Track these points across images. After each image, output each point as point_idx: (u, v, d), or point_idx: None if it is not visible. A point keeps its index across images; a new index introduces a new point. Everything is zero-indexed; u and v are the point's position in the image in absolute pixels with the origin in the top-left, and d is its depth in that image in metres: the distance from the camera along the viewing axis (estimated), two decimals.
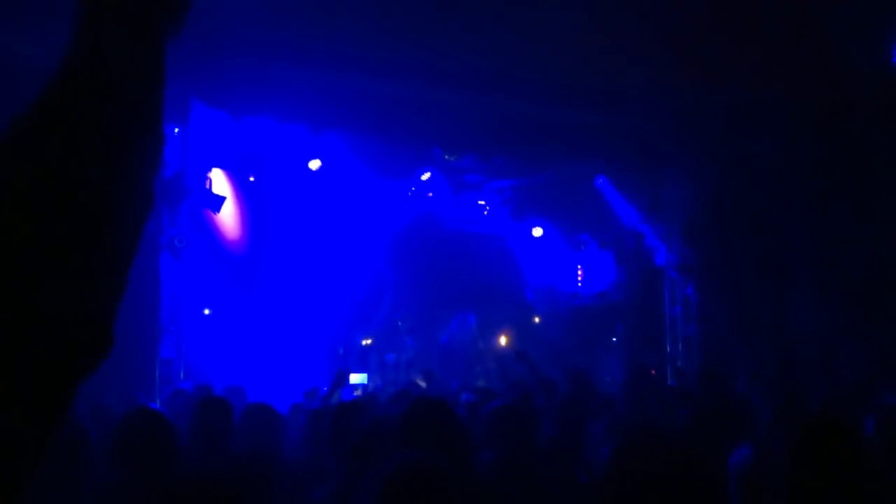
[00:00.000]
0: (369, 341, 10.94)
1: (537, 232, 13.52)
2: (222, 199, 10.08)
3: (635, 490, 2.24)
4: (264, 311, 11.14)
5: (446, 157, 11.53)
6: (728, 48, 8.58)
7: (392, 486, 2.01)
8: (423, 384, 8.09)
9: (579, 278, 13.36)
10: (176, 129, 8.84)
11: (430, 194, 12.68)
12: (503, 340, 12.29)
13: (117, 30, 0.80)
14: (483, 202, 13.23)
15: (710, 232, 11.48)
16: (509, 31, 8.15)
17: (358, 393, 8.51)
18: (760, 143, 10.65)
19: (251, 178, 11.02)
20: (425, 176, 12.15)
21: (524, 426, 3.76)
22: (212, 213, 9.83)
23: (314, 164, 11.11)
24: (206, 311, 10.05)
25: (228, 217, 10.61)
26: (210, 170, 9.96)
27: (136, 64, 0.80)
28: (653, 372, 10.02)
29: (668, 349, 11.68)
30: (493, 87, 9.38)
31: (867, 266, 10.10)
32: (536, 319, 13.16)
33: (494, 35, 8.28)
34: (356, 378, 9.12)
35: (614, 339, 12.28)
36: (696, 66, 9.04)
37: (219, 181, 10.37)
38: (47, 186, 0.72)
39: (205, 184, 9.73)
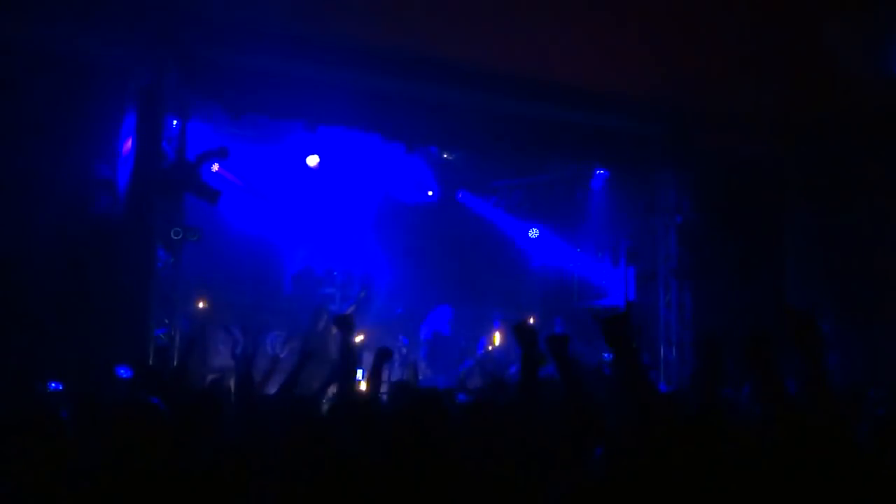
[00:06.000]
0: (362, 338, 10.91)
1: (534, 233, 13.51)
2: (219, 192, 10.07)
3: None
4: (262, 305, 11.18)
5: (444, 155, 11.52)
6: (726, 54, 8.60)
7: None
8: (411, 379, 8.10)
9: (574, 280, 13.34)
10: (175, 122, 8.83)
11: (430, 192, 12.67)
12: (496, 339, 12.24)
13: None
14: (480, 201, 13.23)
15: (705, 236, 11.49)
16: (510, 28, 8.16)
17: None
18: (757, 148, 10.67)
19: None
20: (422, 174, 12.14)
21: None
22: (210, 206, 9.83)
23: (312, 161, 11.10)
24: (201, 304, 10.04)
25: (226, 210, 10.61)
26: (211, 164, 9.96)
27: None
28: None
29: (663, 352, 11.67)
30: (491, 85, 9.38)
31: (860, 271, 10.12)
32: (531, 320, 13.12)
33: (495, 33, 8.29)
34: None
35: None
36: (695, 70, 9.06)
37: (217, 175, 10.36)
38: None
39: (202, 177, 9.72)
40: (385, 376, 10.77)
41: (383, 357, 4.92)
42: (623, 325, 2.96)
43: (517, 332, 3.65)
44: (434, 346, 11.69)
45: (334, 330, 10.93)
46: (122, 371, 5.81)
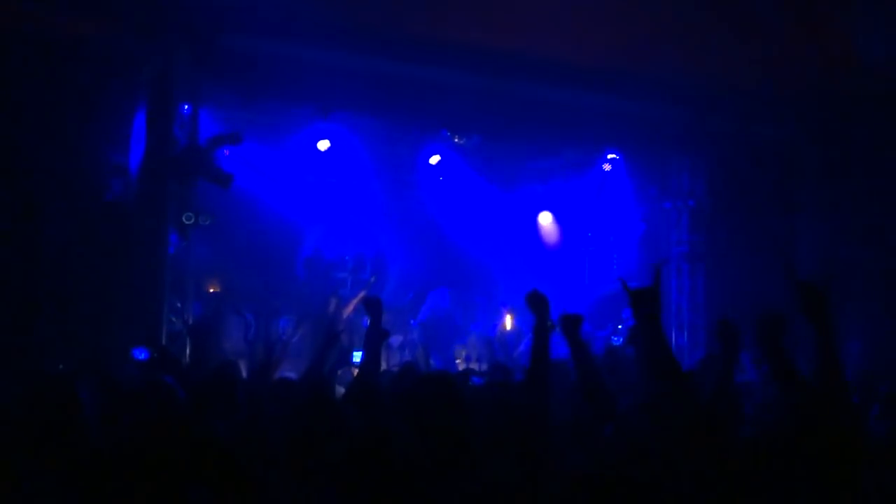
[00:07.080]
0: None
1: (545, 218, 13.49)
2: (232, 176, 10.09)
3: None
4: (274, 290, 11.22)
5: (455, 139, 11.47)
6: (740, 37, 8.54)
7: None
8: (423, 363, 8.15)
9: (586, 264, 13.35)
10: (186, 106, 8.84)
11: (441, 178, 12.66)
12: (507, 323, 12.25)
13: None
14: (492, 185, 13.22)
15: (718, 219, 11.45)
16: (522, 10, 8.12)
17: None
18: (770, 131, 10.60)
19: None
20: (434, 159, 12.10)
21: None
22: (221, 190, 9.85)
23: (323, 145, 11.09)
24: (212, 289, 10.09)
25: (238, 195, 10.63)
26: (222, 149, 9.96)
27: None
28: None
29: (675, 337, 11.66)
30: (504, 68, 9.34)
31: (875, 256, 10.08)
32: None
33: (507, 14, 8.25)
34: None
35: (620, 326, 12.26)
36: (709, 54, 9.00)
37: (229, 160, 10.36)
38: None
39: (215, 162, 9.73)
40: (397, 359, 10.84)
41: (381, 337, 4.89)
42: (652, 297, 2.95)
43: (530, 300, 3.72)
44: (428, 328, 11.70)
45: (345, 314, 11.00)
46: (138, 353, 5.85)
